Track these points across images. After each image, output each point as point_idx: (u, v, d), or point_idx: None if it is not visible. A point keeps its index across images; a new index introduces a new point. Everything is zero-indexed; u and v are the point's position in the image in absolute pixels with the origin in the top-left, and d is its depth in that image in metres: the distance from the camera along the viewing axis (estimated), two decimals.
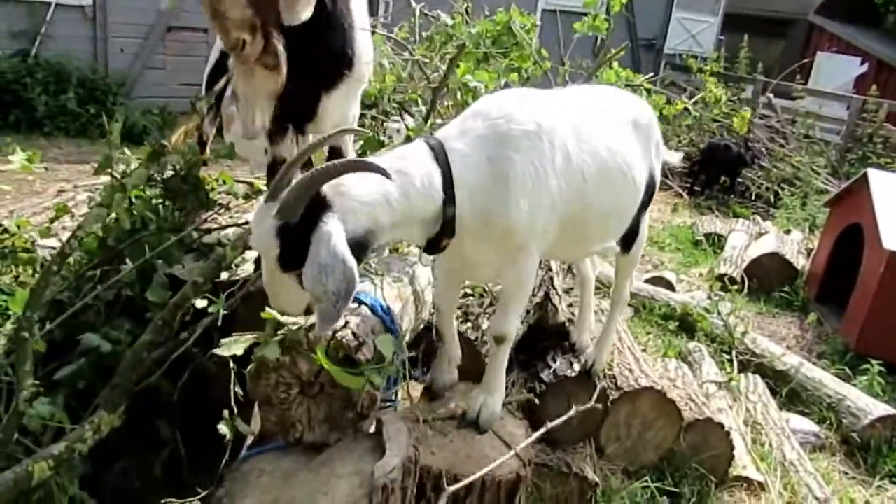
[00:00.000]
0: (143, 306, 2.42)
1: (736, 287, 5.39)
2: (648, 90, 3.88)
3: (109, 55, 8.46)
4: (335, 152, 2.69)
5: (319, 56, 2.31)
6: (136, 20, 8.47)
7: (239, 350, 1.95)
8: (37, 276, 2.65)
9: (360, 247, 1.78)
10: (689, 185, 9.01)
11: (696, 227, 7.44)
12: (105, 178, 3.31)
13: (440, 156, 1.95)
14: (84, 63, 8.14)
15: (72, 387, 2.27)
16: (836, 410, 3.84)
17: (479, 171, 1.98)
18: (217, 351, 1.96)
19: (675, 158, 2.89)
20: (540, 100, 2.22)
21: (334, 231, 1.69)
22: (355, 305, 2.03)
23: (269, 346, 1.84)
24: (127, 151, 3.27)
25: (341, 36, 2.39)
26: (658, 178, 2.62)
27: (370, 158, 1.89)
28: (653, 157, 2.54)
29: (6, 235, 2.63)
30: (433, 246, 2.02)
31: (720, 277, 5.71)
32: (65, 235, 2.91)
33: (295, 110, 2.46)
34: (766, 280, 5.84)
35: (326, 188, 1.75)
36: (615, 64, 3.78)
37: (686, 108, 4.54)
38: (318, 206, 1.71)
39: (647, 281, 5.48)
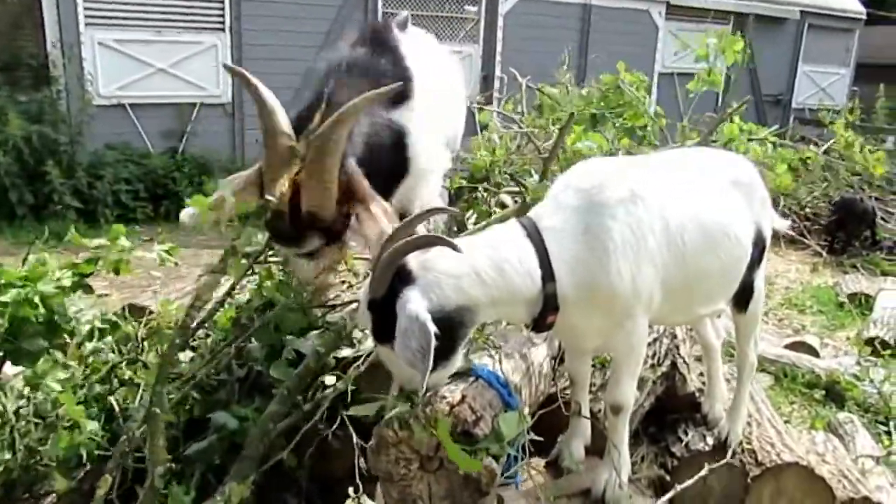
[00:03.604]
0: (272, 383, 2.52)
1: (889, 352, 4.93)
2: (774, 143, 3.70)
3: (246, 146, 9.15)
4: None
5: (371, 174, 2.47)
6: None
7: (368, 412, 2.04)
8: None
9: (453, 322, 1.82)
10: (827, 242, 8.46)
11: (840, 287, 6.94)
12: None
13: (533, 234, 1.97)
14: (224, 155, 8.84)
15: (206, 463, 2.37)
16: None
17: (576, 245, 1.98)
18: (349, 412, 2.06)
19: (783, 225, 2.78)
20: (631, 166, 2.22)
21: (411, 298, 1.76)
22: (472, 378, 2.02)
23: (398, 406, 1.87)
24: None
25: (393, 149, 2.61)
26: (768, 234, 2.53)
27: (457, 238, 1.94)
28: (758, 215, 2.46)
29: (153, 317, 2.83)
30: (540, 324, 2.01)
31: (870, 341, 5.25)
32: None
33: None
34: None
35: (413, 263, 1.81)
36: (737, 118, 3.63)
37: (811, 158, 4.28)
38: (401, 281, 1.79)
39: (787, 346, 5.13)
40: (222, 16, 8.74)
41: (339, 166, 2.31)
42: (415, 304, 1.75)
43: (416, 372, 1.80)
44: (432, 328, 1.72)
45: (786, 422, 3.62)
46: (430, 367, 1.71)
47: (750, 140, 3.49)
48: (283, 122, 2.34)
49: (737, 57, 3.41)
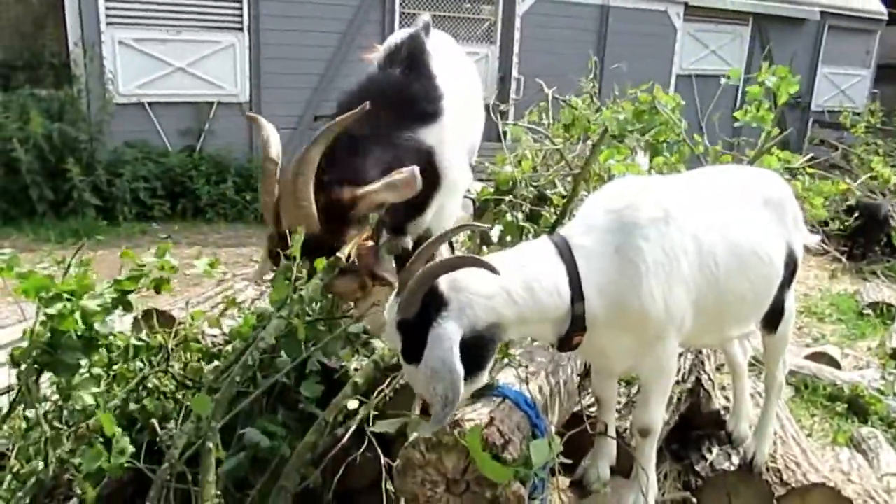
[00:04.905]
0: (296, 397, 2.51)
1: None
2: (812, 174, 3.61)
3: None
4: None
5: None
6: (286, 112, 9.15)
7: (390, 429, 2.03)
8: (202, 362, 2.82)
9: (483, 340, 1.80)
10: (847, 248, 8.33)
11: (861, 294, 6.86)
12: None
13: (565, 253, 1.94)
14: (241, 154, 8.86)
15: (232, 477, 2.37)
16: None
17: (607, 265, 1.95)
18: (371, 429, 2.04)
19: (813, 241, 2.73)
20: (664, 185, 2.18)
21: (446, 336, 1.73)
22: (499, 400, 2.00)
23: (420, 427, 1.86)
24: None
25: (423, 169, 2.56)
26: (800, 253, 2.48)
27: (487, 256, 1.90)
28: (790, 233, 2.42)
29: (181, 326, 2.83)
30: (565, 343, 1.99)
31: (895, 354, 5.18)
32: (226, 322, 3.10)
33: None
34: None
35: (444, 284, 1.78)
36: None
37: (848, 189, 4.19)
38: (433, 303, 1.76)
39: (807, 357, 5.07)
40: (241, 15, 8.74)
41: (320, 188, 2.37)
42: (450, 346, 1.72)
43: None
44: (461, 389, 1.71)
45: (807, 435, 3.58)
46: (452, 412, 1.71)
47: (787, 169, 3.40)
48: (272, 148, 2.51)
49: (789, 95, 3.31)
